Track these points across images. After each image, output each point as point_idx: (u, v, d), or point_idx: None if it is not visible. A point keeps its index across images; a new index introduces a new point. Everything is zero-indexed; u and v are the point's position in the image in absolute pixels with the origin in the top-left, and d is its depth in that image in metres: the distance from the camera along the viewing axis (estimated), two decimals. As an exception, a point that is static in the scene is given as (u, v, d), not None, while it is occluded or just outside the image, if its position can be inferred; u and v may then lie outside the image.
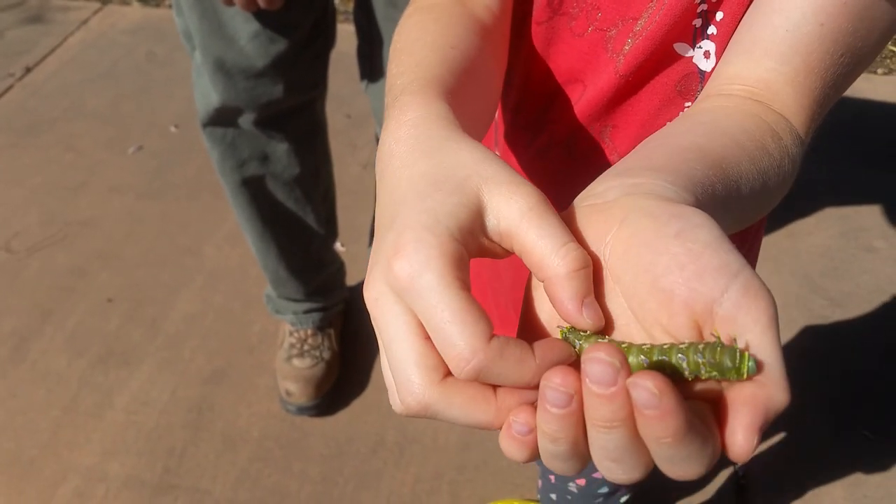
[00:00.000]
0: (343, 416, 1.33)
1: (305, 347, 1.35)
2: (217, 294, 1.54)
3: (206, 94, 1.08)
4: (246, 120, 1.09)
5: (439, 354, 0.27)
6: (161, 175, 1.82)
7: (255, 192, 1.19)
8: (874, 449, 1.28)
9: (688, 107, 0.48)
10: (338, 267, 1.39)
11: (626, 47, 0.46)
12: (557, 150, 0.53)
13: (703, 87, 0.46)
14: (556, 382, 0.25)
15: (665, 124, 0.49)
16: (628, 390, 0.23)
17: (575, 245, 0.28)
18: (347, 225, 1.48)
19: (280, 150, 1.15)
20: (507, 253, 0.30)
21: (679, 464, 0.25)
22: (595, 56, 0.48)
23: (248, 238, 1.26)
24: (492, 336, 0.26)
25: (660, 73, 0.47)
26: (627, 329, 0.28)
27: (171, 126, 1.96)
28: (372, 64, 1.10)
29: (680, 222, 0.27)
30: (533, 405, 0.27)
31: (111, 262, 1.61)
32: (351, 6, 2.35)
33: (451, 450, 1.28)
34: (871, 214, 1.70)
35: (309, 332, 1.36)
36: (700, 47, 0.45)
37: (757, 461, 1.26)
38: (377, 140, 1.22)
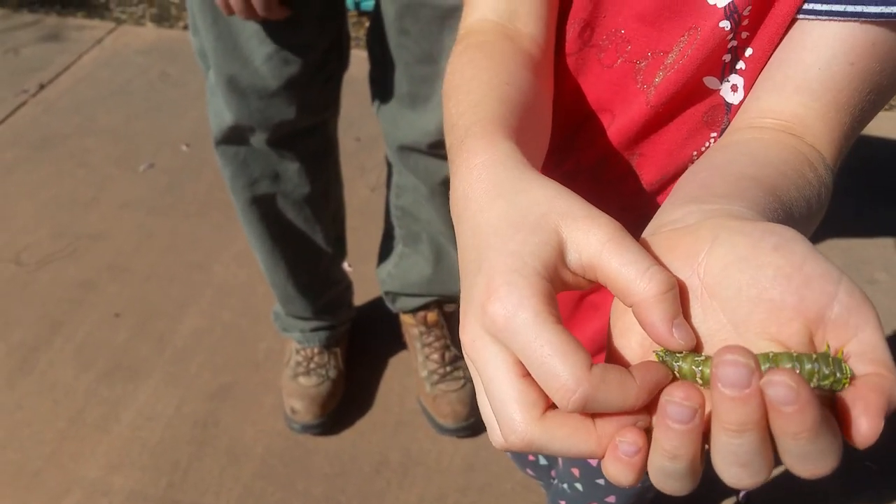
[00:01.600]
0: (347, 435, 1.34)
1: (311, 366, 1.36)
2: (225, 310, 1.56)
3: (220, 113, 1.10)
4: (258, 139, 1.11)
5: (538, 390, 0.28)
6: (171, 192, 1.85)
7: (266, 210, 1.20)
8: (876, 480, 1.28)
9: (714, 137, 0.50)
10: (346, 286, 1.40)
11: (657, 79, 0.48)
12: (585, 175, 0.55)
13: (728, 118, 0.48)
14: (678, 397, 0.25)
15: (691, 154, 0.51)
16: (762, 391, 0.24)
17: (659, 268, 0.29)
18: (355, 246, 1.50)
19: (291, 169, 1.17)
20: (591, 284, 0.31)
21: (813, 460, 0.25)
22: (624, 87, 0.50)
23: (257, 255, 1.28)
24: (592, 365, 0.27)
25: (688, 105, 0.49)
26: (728, 343, 0.29)
27: (182, 145, 1.99)
28: (384, 88, 1.12)
29: (774, 237, 0.28)
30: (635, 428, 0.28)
31: (120, 277, 1.62)
32: (362, 33, 2.39)
33: (455, 471, 1.28)
34: (872, 247, 1.72)
35: (315, 350, 1.37)
36: (728, 81, 0.47)
37: (758, 490, 1.26)
38: (387, 162, 1.25)
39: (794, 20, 0.43)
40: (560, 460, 0.83)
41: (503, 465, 1.28)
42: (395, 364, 1.45)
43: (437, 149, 1.12)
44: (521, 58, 0.46)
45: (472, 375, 0.31)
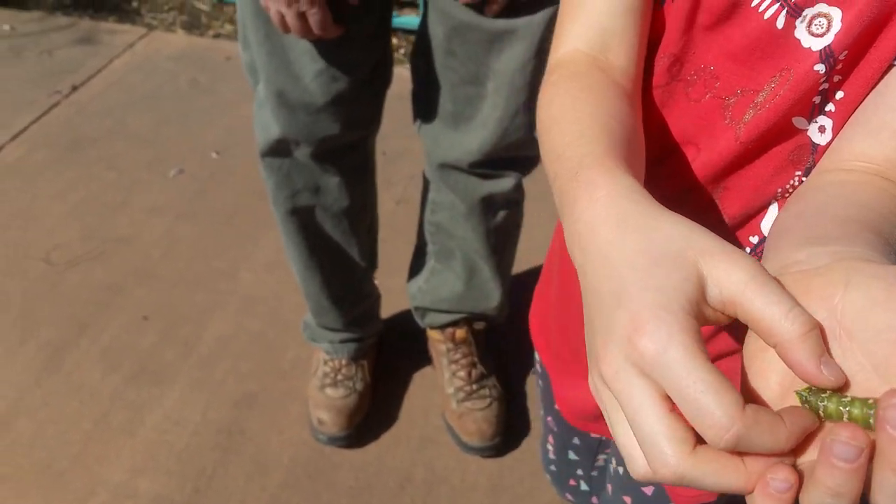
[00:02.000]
0: (372, 448, 1.34)
1: (339, 377, 1.36)
2: (251, 318, 1.56)
3: (267, 126, 1.11)
4: (303, 152, 1.13)
5: (687, 426, 0.29)
6: (200, 199, 1.86)
7: (305, 222, 1.22)
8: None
9: (798, 175, 0.51)
10: (375, 299, 1.41)
11: (747, 116, 0.49)
12: (668, 205, 0.56)
13: (814, 158, 0.49)
14: (845, 437, 0.26)
15: (776, 190, 0.52)
16: None
17: (801, 309, 0.30)
18: (381, 259, 1.51)
19: (332, 182, 1.18)
20: (730, 320, 0.32)
21: None
22: (711, 122, 0.51)
23: (293, 265, 1.29)
24: (745, 404, 0.28)
25: (776, 143, 0.50)
26: (868, 384, 0.30)
27: (212, 152, 2.01)
28: (427, 107, 1.13)
29: None
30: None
31: (147, 281, 1.63)
32: (400, 51, 2.42)
33: (480, 491, 1.28)
34: None
35: (343, 361, 1.37)
36: (815, 122, 0.48)
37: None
38: (423, 178, 1.25)
39: (890, 66, 0.44)
40: (610, 487, 0.83)
41: (528, 486, 1.29)
42: (421, 379, 1.46)
43: (477, 167, 1.13)
44: (617, 90, 0.47)
45: (608, 406, 0.32)
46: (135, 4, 2.72)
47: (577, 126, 0.43)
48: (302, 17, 0.91)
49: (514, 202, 1.21)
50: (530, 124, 1.10)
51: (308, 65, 1.03)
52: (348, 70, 1.04)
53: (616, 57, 0.50)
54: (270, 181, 1.17)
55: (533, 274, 1.52)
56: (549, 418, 0.90)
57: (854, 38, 0.45)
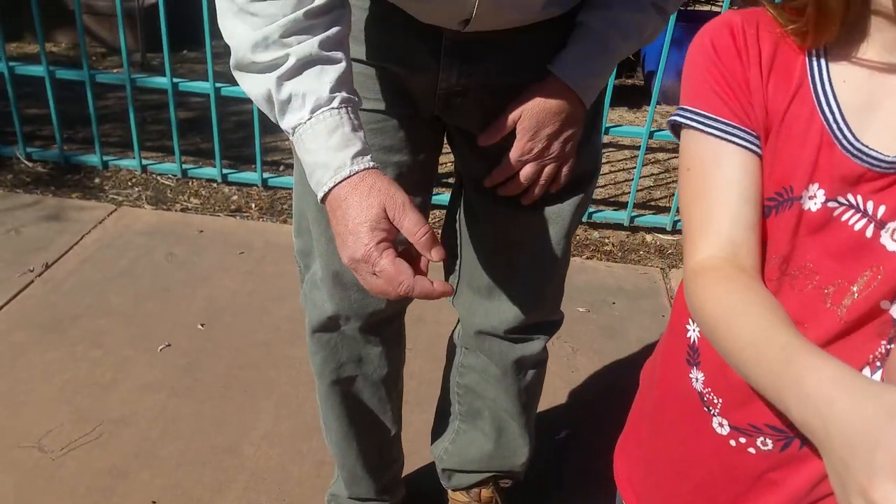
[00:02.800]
0: None
1: (371, 548, 1.36)
2: (261, 495, 1.54)
3: (321, 305, 1.19)
4: (351, 327, 1.20)
5: None
6: (191, 373, 1.86)
7: (346, 392, 1.27)
8: None
9: (884, 343, 0.64)
10: (401, 463, 1.44)
11: (847, 301, 0.63)
12: None
13: (895, 331, 0.64)
14: None
15: (867, 357, 0.66)
16: None
17: None
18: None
19: (374, 352, 1.25)
20: None
21: None
22: (813, 307, 0.65)
23: (330, 437, 1.32)
24: None
25: (867, 321, 0.64)
26: None
27: (197, 324, 2.02)
28: (462, 279, 1.25)
29: None
30: None
31: (150, 462, 1.59)
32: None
33: None
34: None
35: (375, 531, 1.37)
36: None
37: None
38: (449, 342, 1.34)
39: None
40: None
41: None
42: (445, 544, 1.47)
43: (512, 333, 1.24)
44: (763, 286, 0.61)
45: None
46: (98, 181, 2.77)
47: (762, 320, 0.55)
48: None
49: (541, 361, 1.32)
50: (560, 292, 1.23)
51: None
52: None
53: (745, 259, 0.64)
54: (318, 356, 1.23)
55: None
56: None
57: (927, 244, 0.60)
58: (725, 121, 0.65)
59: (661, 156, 3.44)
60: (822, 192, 0.63)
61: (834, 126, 0.62)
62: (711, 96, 0.66)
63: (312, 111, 0.80)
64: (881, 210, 0.62)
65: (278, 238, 2.50)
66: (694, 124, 0.67)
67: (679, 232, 2.74)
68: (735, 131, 0.65)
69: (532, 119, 0.97)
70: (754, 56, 0.65)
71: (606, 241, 2.66)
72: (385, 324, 1.24)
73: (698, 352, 0.73)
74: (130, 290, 2.14)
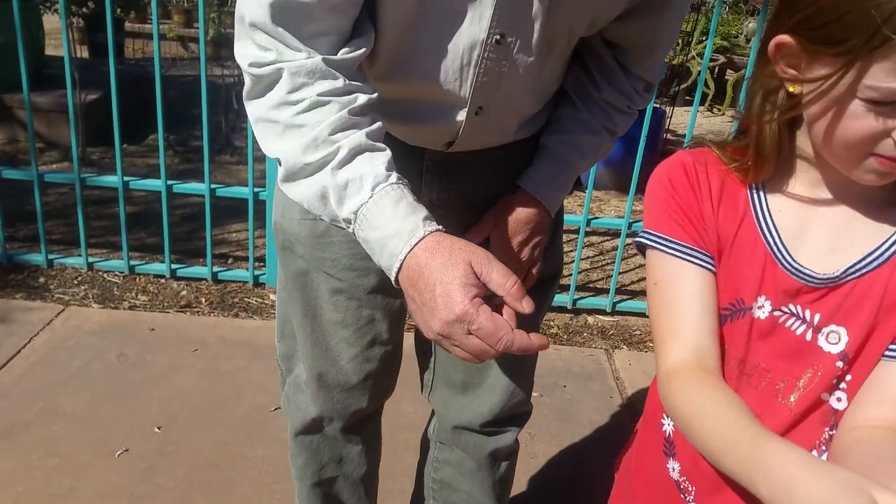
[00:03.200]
0: None
1: None
2: None
3: (304, 407, 1.24)
4: (333, 427, 1.25)
5: None
6: (151, 478, 1.83)
7: (328, 493, 1.30)
8: None
9: (826, 430, 0.75)
10: (376, 560, 1.46)
11: (794, 396, 0.74)
12: None
13: (835, 418, 0.75)
14: None
15: (813, 442, 0.76)
16: None
17: None
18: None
19: (354, 451, 1.30)
20: None
21: None
22: (768, 401, 0.75)
23: (310, 539, 1.33)
24: None
25: (812, 411, 0.75)
26: None
27: (154, 427, 2.00)
28: (438, 378, 1.31)
29: None
30: None
31: (114, 575, 1.55)
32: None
33: None
34: None
35: None
36: (835, 395, 0.74)
37: None
38: (423, 438, 1.39)
39: (880, 358, 0.72)
40: None
41: None
42: None
43: (487, 427, 1.31)
44: (725, 385, 0.71)
45: None
46: (42, 280, 2.73)
47: (728, 415, 0.65)
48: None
49: (513, 453, 1.38)
50: (530, 384, 1.31)
51: (345, 350, 1.19)
52: (379, 350, 1.22)
53: (709, 362, 0.74)
54: (300, 458, 1.27)
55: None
56: None
57: (857, 345, 0.72)
58: (685, 244, 0.77)
59: (594, 239, 3.63)
60: (768, 303, 0.75)
61: (774, 248, 0.75)
62: (672, 223, 0.78)
63: (373, 188, 0.80)
64: (817, 317, 0.74)
65: (231, 333, 2.52)
66: (658, 246, 0.78)
67: (617, 313, 2.89)
68: (693, 253, 0.77)
69: (506, 228, 1.08)
70: (706, 190, 0.77)
71: (552, 324, 2.77)
72: (366, 421, 1.29)
73: (674, 444, 0.82)
74: (84, 393, 2.10)
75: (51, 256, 2.84)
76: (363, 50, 0.86)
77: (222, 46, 6.00)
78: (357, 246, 1.12)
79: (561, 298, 2.86)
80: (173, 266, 2.85)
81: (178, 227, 3.24)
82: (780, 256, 0.74)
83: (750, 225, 0.76)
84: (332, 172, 0.81)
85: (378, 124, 0.86)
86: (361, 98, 0.84)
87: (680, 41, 5.31)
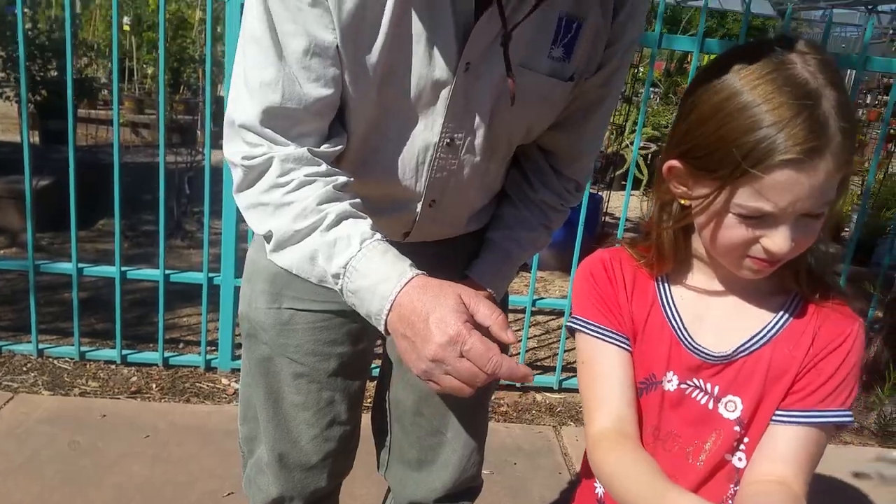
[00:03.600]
0: None
1: None
2: None
3: (265, 488, 1.30)
4: (292, 508, 1.31)
5: None
6: (103, 566, 1.82)
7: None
8: None
9: (731, 486, 0.87)
10: None
11: (702, 457, 0.87)
12: None
13: (738, 475, 0.87)
14: None
15: (721, 497, 0.88)
16: None
17: None
18: None
19: (313, 533, 1.35)
20: None
21: None
22: (680, 463, 0.88)
23: None
24: None
25: (718, 470, 0.87)
26: None
27: (106, 514, 1.99)
28: (393, 456, 1.39)
29: None
30: None
31: None
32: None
33: None
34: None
35: None
36: (736, 455, 0.87)
37: None
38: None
39: (768, 424, 0.85)
40: None
41: None
42: None
43: (440, 502, 1.38)
44: (642, 449, 0.83)
45: None
46: (-10, 368, 2.71)
47: (645, 476, 0.77)
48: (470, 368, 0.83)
49: (466, 527, 1.46)
50: (480, 459, 1.40)
51: (305, 431, 1.27)
52: (337, 432, 1.30)
53: (629, 429, 0.86)
54: (263, 542, 1.32)
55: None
56: None
57: (750, 411, 0.86)
58: (605, 327, 0.90)
59: (540, 318, 3.78)
60: (676, 377, 0.89)
61: (678, 332, 0.89)
62: (594, 310, 0.91)
63: (361, 243, 0.88)
64: (716, 389, 0.88)
65: (183, 419, 2.53)
66: (584, 329, 0.91)
67: (564, 390, 3.01)
68: (612, 335, 0.90)
69: None
70: (620, 282, 0.91)
71: (502, 402, 2.87)
72: (324, 500, 1.35)
73: (604, 504, 0.94)
74: (35, 483, 2.08)
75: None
76: (339, 147, 0.99)
77: (174, 133, 6.14)
78: (319, 332, 1.23)
79: (508, 377, 2.96)
80: (124, 352, 2.87)
81: (129, 312, 3.26)
82: (682, 338, 0.88)
83: (658, 311, 0.90)
84: (321, 234, 0.89)
85: (357, 200, 0.97)
86: (342, 178, 0.97)
87: (614, 132, 5.68)
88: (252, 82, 0.93)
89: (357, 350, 1.25)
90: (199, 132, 7.09)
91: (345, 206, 0.93)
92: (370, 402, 1.43)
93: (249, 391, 1.29)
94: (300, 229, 0.91)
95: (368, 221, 0.94)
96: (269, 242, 0.96)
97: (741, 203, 0.76)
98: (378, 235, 0.91)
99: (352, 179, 0.99)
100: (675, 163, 0.83)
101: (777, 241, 0.76)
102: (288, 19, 0.91)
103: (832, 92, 0.73)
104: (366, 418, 1.36)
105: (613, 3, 1.01)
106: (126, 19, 7.10)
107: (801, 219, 0.76)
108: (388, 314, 0.85)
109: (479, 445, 1.37)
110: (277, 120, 0.93)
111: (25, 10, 6.26)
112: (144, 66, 7.33)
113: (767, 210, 0.75)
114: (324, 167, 0.96)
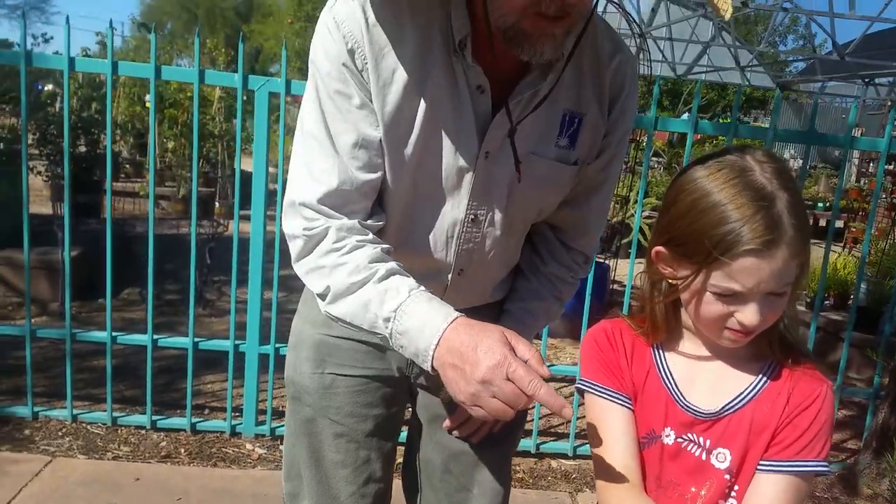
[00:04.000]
0: None
1: None
2: None
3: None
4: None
5: None
6: None
7: None
8: None
9: (729, 529, 1.01)
10: None
11: (699, 503, 1.00)
12: None
13: None
14: None
15: None
16: None
17: None
18: None
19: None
20: None
21: None
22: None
23: None
24: None
25: None
26: None
27: (142, 573, 2.09)
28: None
29: None
30: None
31: None
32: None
33: None
34: None
35: None
36: (729, 501, 1.00)
37: None
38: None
39: (754, 473, 0.99)
40: None
41: None
42: None
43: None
44: (646, 497, 0.97)
45: None
46: (28, 432, 2.84)
47: None
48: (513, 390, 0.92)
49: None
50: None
51: (344, 487, 1.40)
52: (373, 489, 1.42)
53: (634, 478, 1.00)
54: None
55: None
56: None
57: (738, 462, 1.00)
58: (610, 388, 1.06)
59: (552, 385, 3.88)
60: (672, 432, 1.03)
61: (672, 393, 1.04)
62: (599, 373, 1.07)
63: (409, 291, 1.02)
64: (708, 442, 1.02)
65: (212, 482, 2.64)
66: (592, 391, 1.07)
67: (579, 456, 3.09)
68: (616, 395, 1.05)
69: None
70: (621, 349, 1.07)
71: (518, 468, 2.96)
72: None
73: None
74: (73, 543, 2.19)
75: (36, 409, 2.96)
76: (381, 223, 1.18)
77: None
78: (358, 395, 1.38)
79: (525, 443, 3.06)
80: (153, 417, 3.00)
81: (157, 379, 3.40)
82: (676, 397, 1.03)
83: (654, 375, 1.05)
84: (374, 285, 1.04)
85: (400, 263, 1.13)
86: (386, 245, 1.15)
87: (619, 202, 5.90)
88: (314, 170, 1.13)
89: (390, 413, 1.40)
90: (217, 203, 7.38)
91: (392, 264, 1.10)
92: (400, 463, 1.56)
93: (294, 451, 1.43)
94: (355, 282, 1.06)
95: (412, 279, 1.10)
96: (323, 299, 1.12)
97: (716, 283, 0.92)
98: (423, 287, 1.05)
99: (392, 249, 1.17)
100: (661, 249, 1.00)
101: (748, 315, 0.92)
102: (340, 119, 1.12)
103: (784, 194, 0.90)
104: (397, 482, 1.48)
105: (609, 102, 1.21)
106: (147, 97, 7.49)
107: (767, 296, 0.92)
108: (437, 348, 0.96)
109: (503, 501, 1.49)
110: (333, 198, 1.12)
111: (57, 88, 6.64)
112: (165, 140, 7.67)
113: (737, 289, 0.91)
114: (371, 236, 1.14)
